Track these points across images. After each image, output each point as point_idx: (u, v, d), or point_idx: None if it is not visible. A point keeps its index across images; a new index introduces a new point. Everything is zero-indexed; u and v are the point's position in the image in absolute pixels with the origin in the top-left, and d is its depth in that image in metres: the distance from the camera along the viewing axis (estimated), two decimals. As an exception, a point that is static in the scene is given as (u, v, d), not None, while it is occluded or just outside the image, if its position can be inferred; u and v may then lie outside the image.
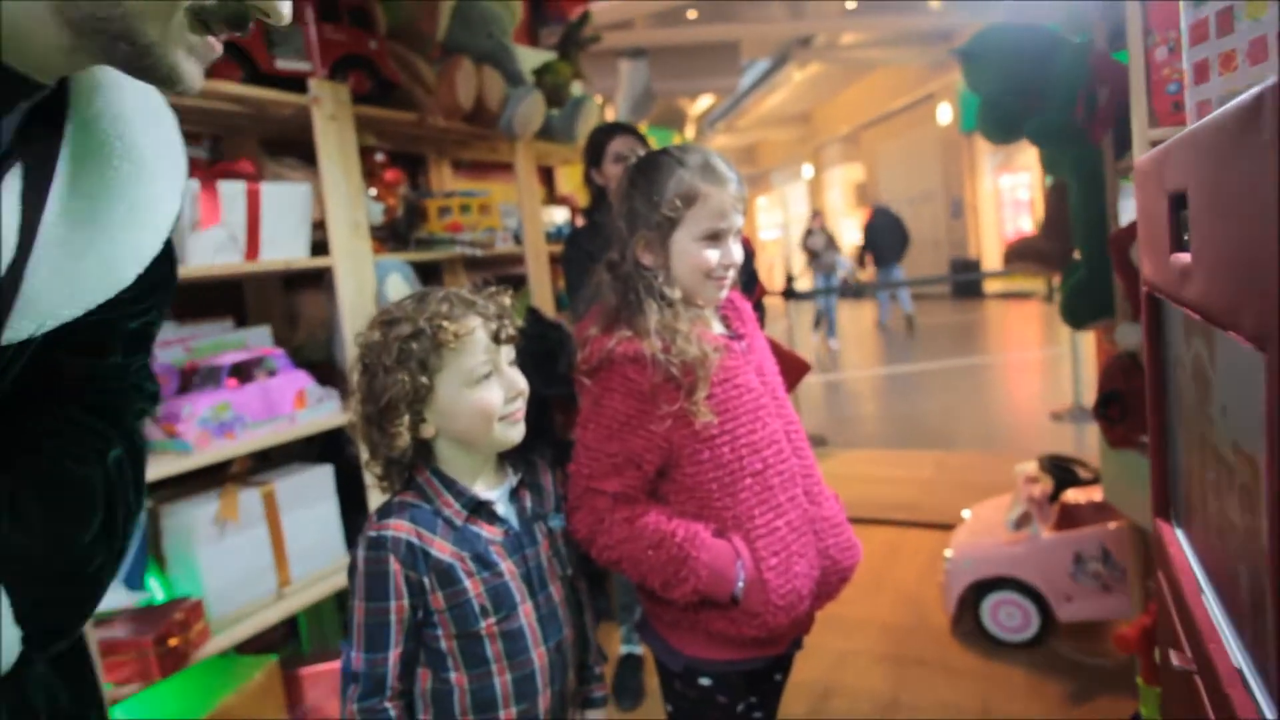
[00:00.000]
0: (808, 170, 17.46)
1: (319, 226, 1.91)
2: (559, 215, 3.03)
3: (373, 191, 2.16)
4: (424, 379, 0.97)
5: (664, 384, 1.12)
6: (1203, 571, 0.89)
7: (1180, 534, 1.01)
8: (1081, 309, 2.07)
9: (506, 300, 1.05)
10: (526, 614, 1.03)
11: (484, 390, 1.00)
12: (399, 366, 0.96)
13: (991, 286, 12.17)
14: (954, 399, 6.30)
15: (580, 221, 3.14)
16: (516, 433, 1.05)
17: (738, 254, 1.20)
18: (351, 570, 1.00)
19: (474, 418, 1.01)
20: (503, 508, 1.07)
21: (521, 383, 1.04)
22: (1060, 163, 2.03)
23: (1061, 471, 2.59)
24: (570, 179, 3.50)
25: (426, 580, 0.98)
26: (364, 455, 1.05)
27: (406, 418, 0.98)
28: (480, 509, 1.04)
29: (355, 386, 1.01)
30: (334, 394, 1.89)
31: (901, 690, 2.22)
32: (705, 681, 1.22)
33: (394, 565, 0.96)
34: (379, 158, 2.26)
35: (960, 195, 12.45)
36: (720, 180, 1.16)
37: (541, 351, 2.38)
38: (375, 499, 1.83)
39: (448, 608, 0.99)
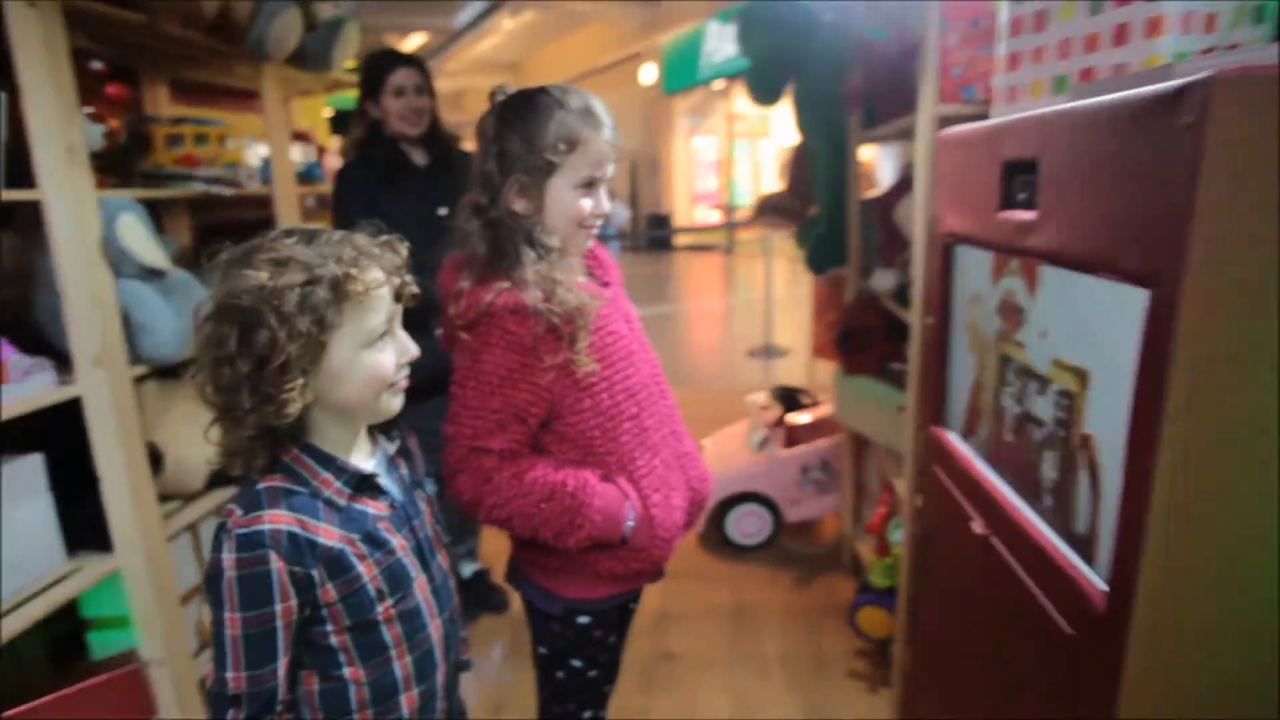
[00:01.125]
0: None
1: (15, 150, 1.45)
2: (297, 153, 2.67)
3: (89, 109, 1.71)
4: (321, 336, 0.81)
5: (546, 335, 1.08)
6: (987, 461, 1.12)
7: (954, 435, 1.25)
8: (824, 258, 2.38)
9: (404, 251, 0.92)
10: (421, 589, 0.95)
11: (379, 353, 0.87)
12: (300, 316, 0.79)
13: (681, 240, 13.28)
14: (661, 344, 6.80)
15: (326, 160, 2.83)
16: (398, 402, 0.93)
17: (607, 203, 1.17)
18: (214, 578, 0.82)
19: (366, 383, 0.87)
20: (384, 480, 0.95)
21: (414, 347, 0.92)
22: (814, 128, 2.28)
23: (788, 399, 2.99)
24: (309, 113, 3.10)
25: (315, 573, 0.83)
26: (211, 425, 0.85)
27: (301, 380, 0.81)
28: (364, 484, 0.90)
29: (214, 338, 0.81)
30: (45, 364, 1.44)
31: (669, 602, 2.43)
32: (584, 620, 1.24)
33: (276, 563, 0.80)
34: (96, 66, 1.81)
35: (656, 155, 13.30)
36: (600, 126, 1.12)
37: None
38: (117, 494, 1.46)
39: (340, 599, 0.86)
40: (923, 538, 1.41)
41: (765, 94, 2.34)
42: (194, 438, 1.41)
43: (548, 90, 1.12)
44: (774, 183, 6.05)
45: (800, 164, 2.56)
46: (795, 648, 2.14)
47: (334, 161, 2.77)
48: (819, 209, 2.43)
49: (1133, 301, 0.70)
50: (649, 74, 11.87)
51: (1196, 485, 0.66)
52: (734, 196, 12.74)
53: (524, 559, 1.24)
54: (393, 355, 0.88)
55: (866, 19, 1.98)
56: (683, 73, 10.87)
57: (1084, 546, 0.82)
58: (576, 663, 1.27)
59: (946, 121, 1.39)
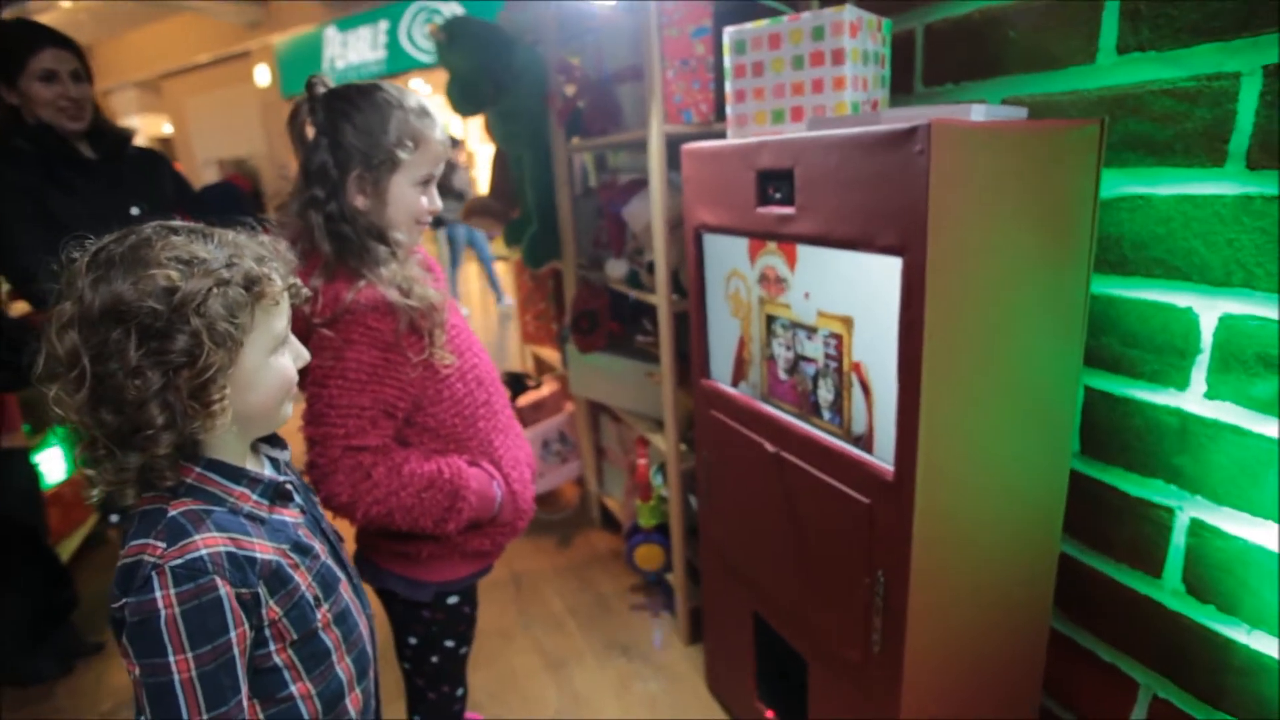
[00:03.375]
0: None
1: None
2: None
3: None
4: (241, 339, 0.73)
5: (407, 331, 1.07)
6: (762, 398, 1.40)
7: (724, 384, 1.52)
8: (540, 255, 2.53)
9: (292, 254, 0.84)
10: (345, 589, 0.91)
11: (283, 358, 0.81)
12: (221, 319, 0.71)
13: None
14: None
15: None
16: (291, 409, 0.87)
17: (439, 200, 1.18)
18: (144, 622, 0.70)
19: (273, 390, 0.80)
20: (291, 486, 0.88)
21: (305, 352, 0.86)
22: (517, 138, 2.41)
23: (514, 384, 3.11)
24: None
25: (260, 591, 0.76)
26: (85, 452, 0.73)
27: (228, 388, 0.73)
28: (278, 493, 0.85)
29: (102, 349, 0.68)
30: None
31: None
32: (453, 600, 1.25)
33: (225, 588, 0.72)
34: None
35: (283, 158, 12.10)
36: (435, 125, 1.12)
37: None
38: None
39: (284, 613, 0.80)
40: (708, 468, 1.66)
41: (467, 106, 2.40)
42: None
43: (381, 88, 1.10)
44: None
45: (502, 170, 2.68)
46: (577, 599, 2.32)
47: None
48: (522, 211, 2.58)
49: (881, 267, 1.00)
50: (264, 75, 10.70)
51: (945, 384, 0.98)
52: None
53: (385, 553, 1.22)
54: (291, 359, 0.83)
55: (566, 46, 2.17)
56: (302, 76, 10.01)
57: (864, 443, 1.13)
58: (450, 643, 1.30)
59: (672, 138, 1.64)
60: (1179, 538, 1.15)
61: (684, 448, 1.91)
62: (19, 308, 2.44)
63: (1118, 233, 1.17)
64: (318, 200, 1.07)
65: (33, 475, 2.25)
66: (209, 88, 11.87)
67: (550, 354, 3.11)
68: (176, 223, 0.77)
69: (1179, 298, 1.10)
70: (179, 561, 0.71)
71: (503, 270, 7.45)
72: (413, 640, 1.27)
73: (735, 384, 1.48)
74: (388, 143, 1.07)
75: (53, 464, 2.58)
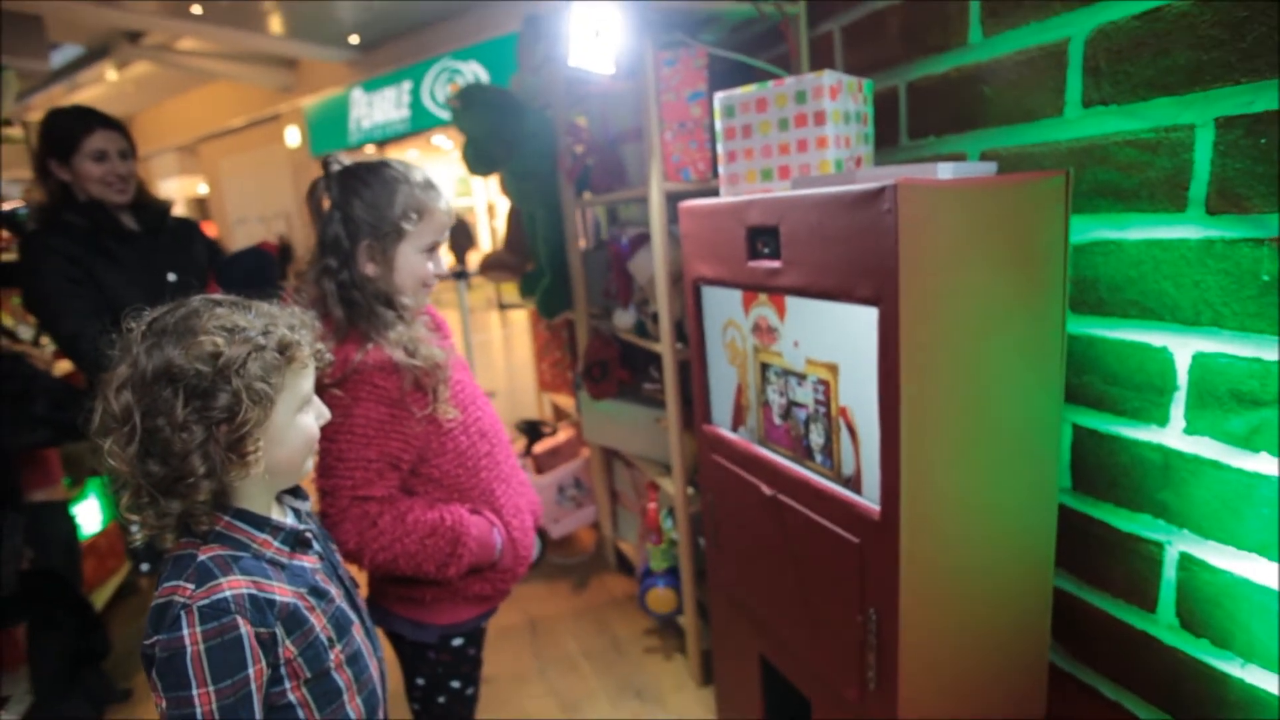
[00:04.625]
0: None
1: None
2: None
3: None
4: (274, 398, 0.82)
5: (412, 389, 1.14)
6: (760, 443, 1.44)
7: (724, 429, 1.56)
8: (553, 306, 2.61)
9: (316, 321, 0.94)
10: (357, 631, 0.96)
11: (308, 417, 0.90)
12: (259, 380, 0.80)
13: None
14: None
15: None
16: (312, 463, 0.95)
17: (445, 265, 1.27)
18: (173, 658, 0.76)
19: (298, 447, 0.89)
20: (310, 534, 0.95)
21: (327, 410, 0.94)
22: (530, 196, 2.51)
23: (530, 431, 3.17)
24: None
25: (277, 632, 0.83)
26: (131, 500, 0.80)
27: (261, 441, 0.82)
28: (298, 541, 0.92)
29: (152, 407, 0.77)
30: None
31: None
32: (459, 642, 1.30)
33: (245, 628, 0.79)
34: None
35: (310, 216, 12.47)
36: (439, 196, 1.20)
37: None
38: None
39: (299, 652, 0.86)
40: (713, 510, 1.69)
41: (481, 167, 2.52)
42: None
43: (389, 164, 1.19)
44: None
45: (516, 225, 2.78)
46: (592, 642, 2.33)
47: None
48: (536, 264, 2.68)
49: (862, 316, 1.05)
50: (294, 136, 11.13)
51: (925, 425, 1.02)
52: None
53: (393, 596, 1.27)
54: (314, 418, 0.92)
55: (574, 108, 2.28)
56: (331, 137, 10.44)
57: (853, 484, 1.16)
58: (455, 684, 1.33)
59: (672, 195, 1.72)
60: (1170, 572, 1.16)
61: (692, 491, 1.95)
62: (62, 367, 2.57)
63: (1094, 275, 1.21)
64: (331, 269, 1.15)
65: (71, 526, 2.33)
66: (242, 149, 12.35)
67: (566, 401, 3.17)
68: (220, 296, 0.87)
69: (1154, 337, 1.14)
70: (206, 602, 0.78)
71: (515, 319, 7.58)
72: (420, 681, 1.31)
73: (735, 429, 1.53)
74: (394, 215, 1.15)
75: (90, 516, 2.67)
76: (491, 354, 7.52)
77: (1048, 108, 1.25)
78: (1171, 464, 1.13)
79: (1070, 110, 1.21)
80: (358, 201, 1.15)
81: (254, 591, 0.82)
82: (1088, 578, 1.30)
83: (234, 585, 0.81)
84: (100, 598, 2.61)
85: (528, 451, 3.05)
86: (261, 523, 0.88)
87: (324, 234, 1.16)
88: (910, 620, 1.07)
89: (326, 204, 1.17)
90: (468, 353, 3.68)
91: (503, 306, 10.23)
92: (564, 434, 3.10)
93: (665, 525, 2.12)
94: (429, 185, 1.20)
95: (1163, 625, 1.18)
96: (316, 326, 0.92)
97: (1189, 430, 1.11)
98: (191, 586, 0.80)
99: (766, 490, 1.36)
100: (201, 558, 0.82)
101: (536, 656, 2.29)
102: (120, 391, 0.78)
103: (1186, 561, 1.13)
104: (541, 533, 2.90)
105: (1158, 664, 1.20)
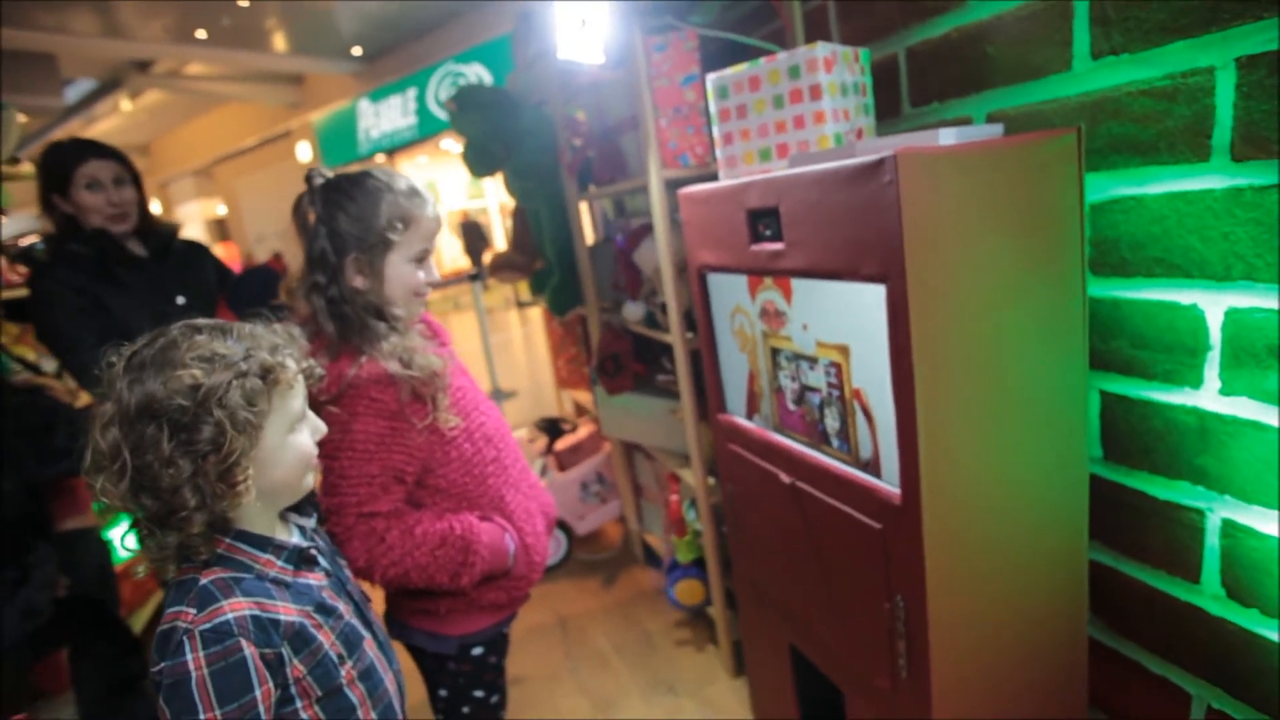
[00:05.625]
0: (155, 207, 15.11)
1: None
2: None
3: None
4: (260, 423, 0.80)
5: (410, 400, 1.11)
6: (775, 429, 1.40)
7: (739, 418, 1.52)
8: (564, 303, 2.58)
9: (304, 338, 0.92)
10: (370, 647, 0.94)
11: (301, 435, 0.87)
12: (241, 408, 0.78)
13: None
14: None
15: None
16: (313, 479, 0.93)
17: (436, 272, 1.24)
18: (178, 684, 0.75)
19: (294, 466, 0.87)
20: (317, 551, 0.93)
21: (323, 425, 0.92)
22: (533, 193, 2.48)
23: (551, 428, 3.15)
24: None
25: (284, 651, 0.81)
26: (134, 533, 0.80)
27: (251, 468, 0.80)
28: (303, 559, 0.90)
29: (139, 443, 0.75)
30: None
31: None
32: (478, 651, 1.27)
33: (249, 649, 0.78)
34: None
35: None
36: (426, 204, 1.16)
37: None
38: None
39: (308, 671, 0.84)
40: (732, 501, 1.65)
41: (481, 168, 2.49)
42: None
43: (371, 174, 1.15)
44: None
45: (522, 225, 2.75)
46: (623, 637, 2.31)
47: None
48: (544, 262, 2.64)
49: (870, 295, 1.00)
50: (305, 152, 11.21)
51: (941, 402, 0.97)
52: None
53: (408, 610, 1.25)
54: (309, 435, 0.90)
55: (570, 102, 2.24)
56: (341, 149, 10.51)
57: (871, 468, 1.12)
58: (479, 693, 1.31)
59: (672, 182, 1.67)
60: (1213, 539, 1.10)
61: (712, 481, 1.91)
62: (84, 399, 2.59)
63: (1114, 235, 1.15)
64: (319, 285, 1.12)
65: (104, 552, 2.35)
66: (256, 168, 12.47)
67: (586, 397, 3.14)
68: (200, 321, 0.85)
69: (1182, 295, 1.07)
70: (207, 626, 0.77)
71: (534, 317, 7.57)
72: (443, 693, 1.29)
73: (750, 416, 1.48)
74: (379, 225, 1.12)
75: (124, 540, 2.70)
76: (512, 353, 7.52)
77: (1055, 62, 1.18)
78: (1208, 427, 1.07)
79: (1079, 63, 1.14)
80: (342, 215, 1.11)
81: (257, 612, 0.80)
82: (1125, 549, 1.24)
83: (236, 607, 0.79)
84: (139, 620, 2.64)
85: (549, 449, 3.03)
86: (263, 543, 0.87)
87: (310, 250, 1.13)
88: (938, 605, 1.02)
89: (312, 219, 1.15)
90: (486, 353, 3.67)
91: (521, 304, 10.23)
92: (585, 430, 3.07)
93: (689, 516, 2.08)
94: (414, 193, 1.16)
95: (1208, 595, 1.12)
96: (303, 343, 0.90)
97: (1225, 391, 1.04)
98: (193, 611, 0.78)
99: (785, 478, 1.32)
100: (203, 581, 0.81)
101: (567, 655, 2.27)
102: (107, 429, 0.77)
103: (1230, 528, 1.07)
104: (568, 529, 2.88)
105: (1205, 636, 1.14)
